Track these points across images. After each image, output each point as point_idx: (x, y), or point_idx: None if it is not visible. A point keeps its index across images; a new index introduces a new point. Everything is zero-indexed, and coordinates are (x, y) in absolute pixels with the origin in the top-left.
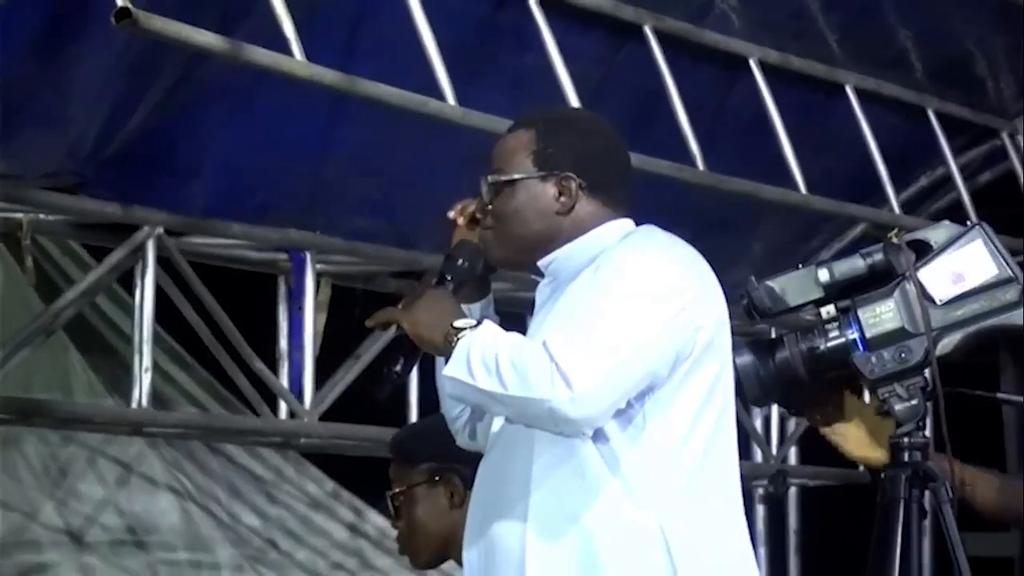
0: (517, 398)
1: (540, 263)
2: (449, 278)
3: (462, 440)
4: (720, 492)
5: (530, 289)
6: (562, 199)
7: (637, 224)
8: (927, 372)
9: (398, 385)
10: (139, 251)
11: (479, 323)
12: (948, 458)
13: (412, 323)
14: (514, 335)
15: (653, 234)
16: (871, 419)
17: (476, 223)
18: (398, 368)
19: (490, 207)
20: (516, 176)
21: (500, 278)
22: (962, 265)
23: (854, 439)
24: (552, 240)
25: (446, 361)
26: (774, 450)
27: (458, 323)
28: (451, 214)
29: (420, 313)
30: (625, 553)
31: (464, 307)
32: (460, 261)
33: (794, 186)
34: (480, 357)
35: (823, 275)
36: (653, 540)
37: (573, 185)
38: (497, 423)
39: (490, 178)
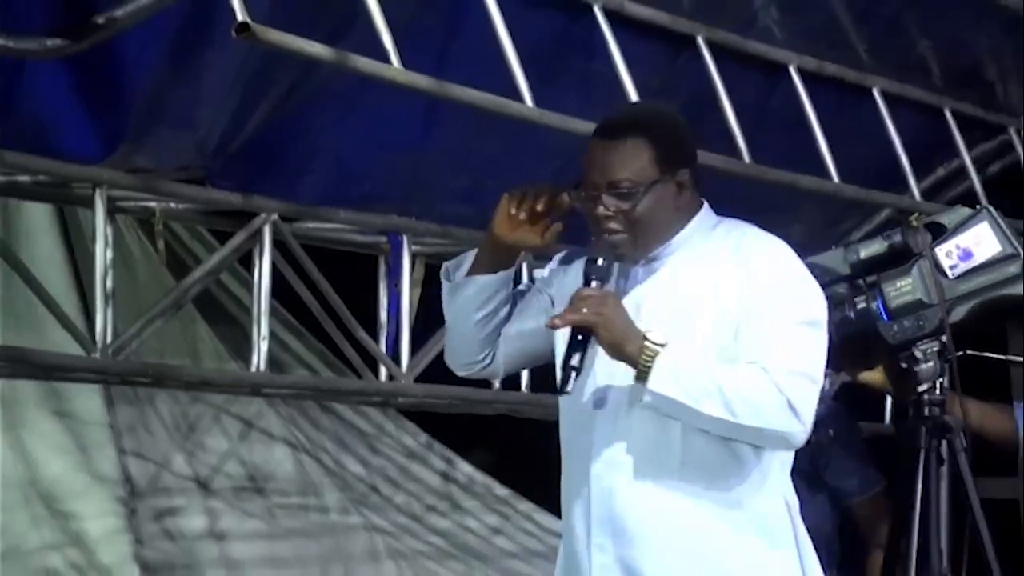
0: (749, 427)
1: (657, 251)
2: (598, 280)
3: (474, 370)
4: None
5: None
6: (681, 193)
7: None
8: (943, 337)
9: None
10: (257, 235)
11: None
12: (960, 403)
13: (608, 330)
14: (722, 364)
15: (788, 247)
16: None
17: (537, 218)
18: (576, 363)
19: (620, 213)
20: (649, 181)
21: None
22: (971, 243)
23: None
24: (671, 230)
25: (638, 371)
26: None
27: (653, 337)
28: (514, 210)
29: (615, 321)
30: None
31: (484, 277)
32: (601, 262)
33: (828, 176)
34: (698, 381)
35: (852, 254)
36: (786, 524)
37: (687, 180)
38: (598, 385)
39: (624, 187)
